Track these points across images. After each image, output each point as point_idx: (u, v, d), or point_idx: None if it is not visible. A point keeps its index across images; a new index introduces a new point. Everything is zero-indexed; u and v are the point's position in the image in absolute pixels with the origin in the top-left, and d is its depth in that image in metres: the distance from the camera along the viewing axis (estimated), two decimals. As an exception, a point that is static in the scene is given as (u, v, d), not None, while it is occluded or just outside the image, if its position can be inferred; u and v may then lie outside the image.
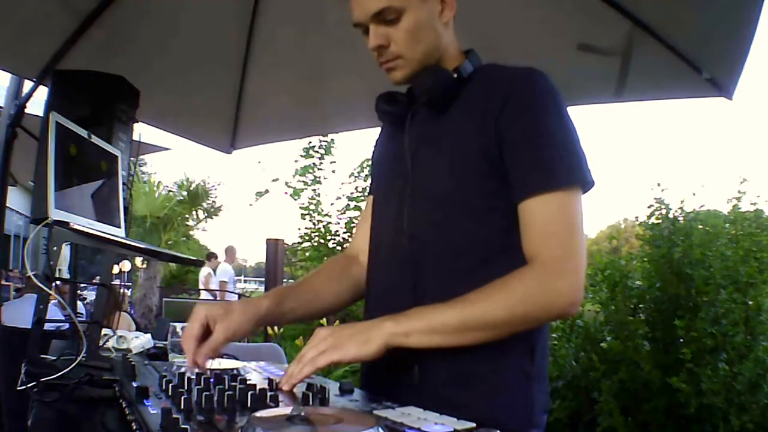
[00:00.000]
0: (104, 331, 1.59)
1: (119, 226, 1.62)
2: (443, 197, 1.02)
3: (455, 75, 1.05)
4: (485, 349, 0.94)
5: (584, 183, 0.96)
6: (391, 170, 1.14)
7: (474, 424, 0.69)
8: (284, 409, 0.68)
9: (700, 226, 3.13)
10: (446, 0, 1.06)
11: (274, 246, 6.30)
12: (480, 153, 0.98)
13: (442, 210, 1.02)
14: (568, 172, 0.95)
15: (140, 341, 1.65)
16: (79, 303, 3.95)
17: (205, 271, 9.69)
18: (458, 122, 1.02)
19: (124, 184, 1.92)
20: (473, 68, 1.08)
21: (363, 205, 8.67)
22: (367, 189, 1.34)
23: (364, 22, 1.03)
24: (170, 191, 14.28)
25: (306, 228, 8.76)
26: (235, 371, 1.03)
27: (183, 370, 0.96)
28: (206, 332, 1.02)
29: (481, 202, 1.00)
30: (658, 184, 3.30)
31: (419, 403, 0.80)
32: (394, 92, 1.14)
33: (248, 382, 0.86)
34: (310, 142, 8.75)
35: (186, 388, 0.84)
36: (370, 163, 1.32)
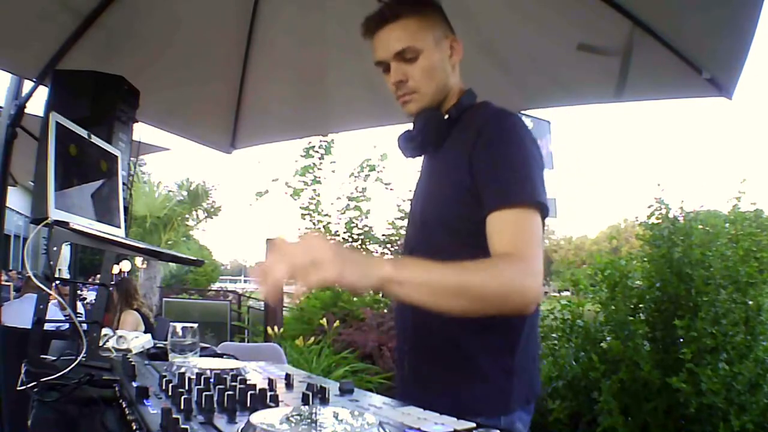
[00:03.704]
0: (104, 331, 1.59)
1: (119, 226, 1.62)
2: (431, 220, 1.22)
3: (447, 116, 1.22)
4: (470, 344, 1.13)
5: (539, 206, 1.07)
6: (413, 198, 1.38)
7: (474, 424, 0.69)
8: (284, 409, 0.68)
9: (700, 226, 3.13)
10: (454, 47, 1.24)
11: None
12: (459, 183, 1.14)
13: (430, 231, 1.22)
14: (522, 192, 1.06)
15: (140, 341, 1.65)
16: (78, 303, 3.95)
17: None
18: (447, 157, 1.21)
19: (124, 184, 1.92)
20: (465, 107, 1.23)
21: (363, 205, 8.71)
22: None
23: (387, 59, 1.20)
24: (170, 191, 14.30)
25: (306, 228, 8.77)
26: (235, 371, 1.03)
27: (183, 370, 0.96)
28: None
29: (460, 224, 1.15)
30: (658, 184, 3.31)
31: (408, 385, 1.11)
32: (409, 131, 1.31)
33: (248, 382, 0.86)
34: (310, 142, 8.76)
35: (186, 388, 0.84)
36: None
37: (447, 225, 1.17)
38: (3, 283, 3.14)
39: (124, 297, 4.39)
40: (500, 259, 1.02)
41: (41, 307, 1.18)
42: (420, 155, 1.32)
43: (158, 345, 1.71)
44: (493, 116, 1.16)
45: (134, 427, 0.74)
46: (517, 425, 1.14)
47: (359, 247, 8.58)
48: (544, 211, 1.08)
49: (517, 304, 1.01)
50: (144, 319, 4.45)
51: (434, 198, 1.23)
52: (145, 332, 2.30)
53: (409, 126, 1.30)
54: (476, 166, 1.10)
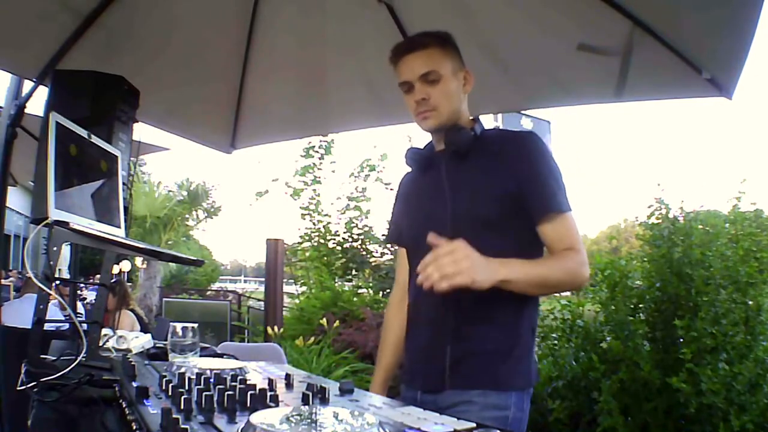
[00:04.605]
0: (104, 331, 1.59)
1: (119, 226, 1.62)
2: (465, 216, 1.38)
3: (473, 133, 1.43)
4: (507, 326, 1.37)
5: (571, 207, 1.39)
6: (424, 203, 1.50)
7: (474, 424, 0.69)
8: (284, 409, 0.68)
9: (700, 226, 3.12)
10: (467, 78, 1.46)
11: (274, 246, 6.28)
12: (498, 188, 1.37)
13: (463, 225, 1.36)
14: (563, 202, 1.37)
15: (140, 341, 1.65)
16: (78, 303, 3.95)
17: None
18: (478, 167, 1.40)
19: (124, 184, 1.92)
20: (482, 129, 1.46)
21: (363, 205, 8.70)
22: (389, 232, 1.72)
23: (412, 80, 1.40)
24: (170, 191, 14.30)
25: (306, 228, 8.76)
26: (235, 371, 1.03)
27: (183, 370, 0.96)
28: None
29: (498, 220, 1.37)
30: (658, 184, 3.30)
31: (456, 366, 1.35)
32: (417, 147, 1.53)
33: (248, 382, 0.86)
34: (310, 142, 8.75)
35: (186, 388, 0.84)
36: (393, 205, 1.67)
37: (483, 219, 1.37)
38: (3, 283, 3.14)
39: (122, 298, 4.42)
40: (564, 254, 1.33)
41: (41, 307, 1.18)
42: (426, 169, 1.50)
43: (158, 345, 1.71)
44: (523, 137, 1.43)
45: (134, 427, 0.74)
46: (526, 404, 1.39)
47: (359, 247, 8.57)
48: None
49: (577, 285, 1.40)
50: (138, 318, 4.49)
51: (467, 198, 1.40)
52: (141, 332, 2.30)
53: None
54: (523, 182, 1.35)
